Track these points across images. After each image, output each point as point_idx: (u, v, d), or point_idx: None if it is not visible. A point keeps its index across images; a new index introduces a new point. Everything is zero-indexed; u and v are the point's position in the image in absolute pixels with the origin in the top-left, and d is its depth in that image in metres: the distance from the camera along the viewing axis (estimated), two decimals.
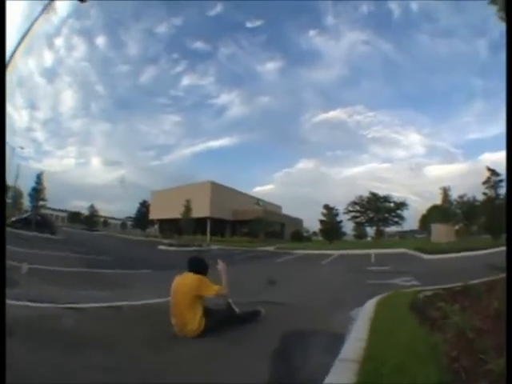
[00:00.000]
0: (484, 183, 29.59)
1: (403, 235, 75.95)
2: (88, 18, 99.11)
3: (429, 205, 64.83)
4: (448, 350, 3.22)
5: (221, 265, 4.91)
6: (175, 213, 40.34)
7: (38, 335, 3.88)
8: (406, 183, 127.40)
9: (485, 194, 29.78)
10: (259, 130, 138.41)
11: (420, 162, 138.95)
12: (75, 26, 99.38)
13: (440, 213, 61.47)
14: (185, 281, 4.46)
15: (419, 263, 16.91)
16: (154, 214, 61.50)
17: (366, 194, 50.16)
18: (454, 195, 40.71)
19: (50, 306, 5.22)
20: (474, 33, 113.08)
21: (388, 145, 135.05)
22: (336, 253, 26.40)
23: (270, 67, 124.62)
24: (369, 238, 63.45)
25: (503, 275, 6.87)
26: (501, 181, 28.58)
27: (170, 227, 50.07)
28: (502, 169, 28.14)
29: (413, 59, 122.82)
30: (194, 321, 4.23)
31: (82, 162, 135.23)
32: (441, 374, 2.74)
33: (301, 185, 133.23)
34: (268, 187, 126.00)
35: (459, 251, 20.11)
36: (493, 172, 28.83)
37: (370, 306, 5.74)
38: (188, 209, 36.77)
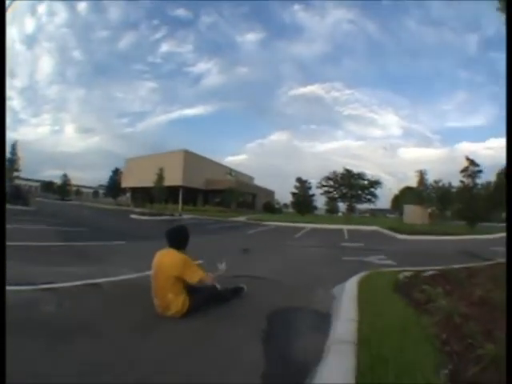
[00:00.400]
0: (462, 171, 30.72)
1: (374, 213, 77.76)
2: None
3: (401, 186, 66.56)
4: (438, 333, 3.28)
5: (222, 266, 4.65)
6: (148, 181, 39.84)
7: (16, 323, 3.37)
8: (379, 162, 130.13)
9: (462, 181, 30.86)
10: (235, 100, 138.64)
11: (395, 143, 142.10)
12: None
13: (413, 195, 63.01)
14: (167, 260, 4.15)
15: (393, 242, 17.27)
16: (126, 182, 60.61)
17: (339, 170, 50.43)
18: (429, 179, 41.56)
19: (27, 289, 4.89)
20: (465, 26, 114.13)
21: (364, 123, 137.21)
22: (308, 226, 26.91)
23: (251, 38, 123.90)
24: (340, 214, 64.33)
25: (482, 263, 7.10)
26: (479, 171, 30.26)
27: (142, 196, 49.68)
28: (479, 159, 29.27)
29: (398, 42, 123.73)
30: (178, 302, 4.05)
31: (56, 130, 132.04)
32: (438, 356, 2.81)
33: (273, 156, 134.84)
34: (241, 157, 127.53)
35: (433, 234, 20.80)
36: (471, 162, 30.08)
37: (351, 284, 5.74)
38: (160, 177, 36.36)
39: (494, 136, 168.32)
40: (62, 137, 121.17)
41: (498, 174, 36.51)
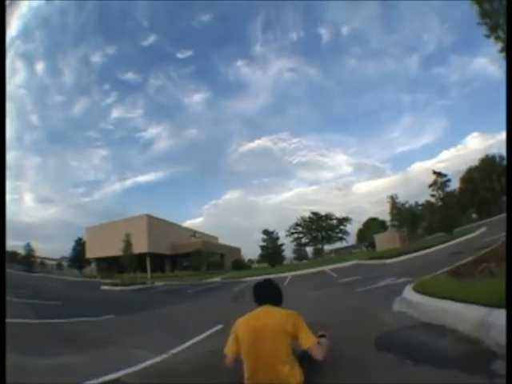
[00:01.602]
0: (430, 186, 32.02)
1: (338, 252, 77.97)
2: (32, 41, 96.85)
3: (362, 220, 67.75)
4: None
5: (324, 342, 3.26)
6: (113, 250, 38.24)
7: None
8: (335, 202, 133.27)
9: (433, 195, 32.10)
10: (185, 163, 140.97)
11: (348, 180, 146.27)
12: (20, 49, 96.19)
13: (378, 224, 64.33)
14: (276, 320, 3.06)
15: (386, 267, 17.26)
16: (90, 253, 57.81)
17: (307, 215, 51.11)
18: (387, 206, 42.54)
19: None
20: (404, 50, 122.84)
21: (314, 168, 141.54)
22: (287, 275, 26.10)
23: (197, 99, 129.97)
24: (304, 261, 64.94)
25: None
26: (448, 180, 31.93)
27: (109, 265, 47.57)
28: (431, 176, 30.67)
29: (339, 83, 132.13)
30: (295, 376, 2.88)
31: (15, 199, 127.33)
32: None
33: (230, 215, 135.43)
34: (198, 220, 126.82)
35: (418, 250, 21.27)
36: (438, 174, 31.51)
37: (410, 293, 5.89)
38: (128, 244, 34.64)
39: (445, 148, 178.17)
40: (21, 206, 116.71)
41: (461, 179, 37.79)
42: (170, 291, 21.23)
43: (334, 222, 50.92)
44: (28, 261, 66.98)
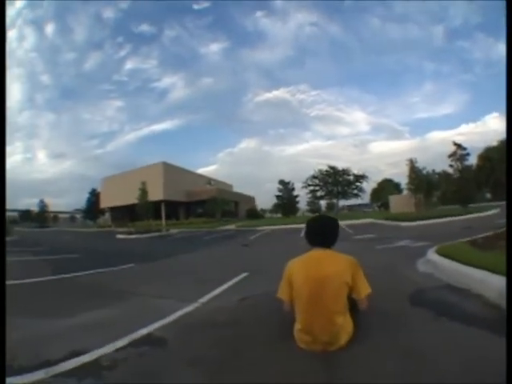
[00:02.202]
0: (450, 156, 32.03)
1: (351, 208, 78.42)
2: (40, 6, 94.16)
3: (376, 180, 67.53)
4: None
5: None
6: (128, 199, 38.76)
7: None
8: (350, 159, 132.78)
9: (451, 165, 32.22)
10: (201, 111, 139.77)
11: (364, 138, 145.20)
12: (28, 16, 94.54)
13: (393, 186, 63.98)
14: (335, 267, 2.84)
15: (401, 229, 17.63)
16: (104, 203, 58.82)
17: (324, 168, 50.91)
18: (402, 170, 42.24)
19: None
20: (429, 19, 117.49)
21: (331, 122, 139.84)
22: (302, 226, 26.09)
23: (214, 48, 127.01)
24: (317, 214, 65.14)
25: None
26: (467, 154, 31.82)
27: (123, 214, 48.29)
28: (449, 145, 30.24)
29: (361, 40, 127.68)
30: (348, 328, 2.87)
31: (28, 157, 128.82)
32: None
33: (244, 164, 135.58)
34: (212, 168, 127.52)
35: (432, 218, 21.52)
36: (459, 146, 31.40)
37: (434, 255, 6.24)
38: (144, 192, 34.76)
39: (464, 122, 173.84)
40: (34, 164, 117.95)
41: (479, 156, 37.11)
42: (186, 238, 21.66)
43: (351, 177, 50.64)
44: (41, 217, 68.02)
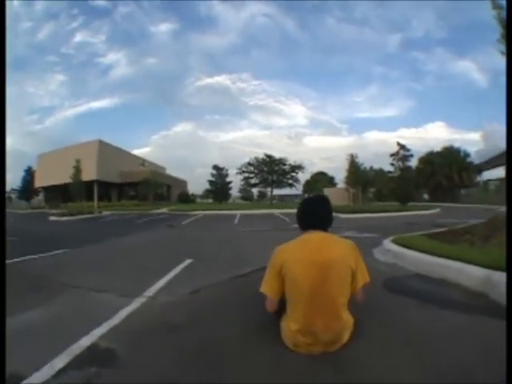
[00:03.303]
0: (392, 155, 32.46)
1: (282, 198, 79.33)
2: None
3: (309, 172, 68.92)
4: None
5: None
6: (62, 177, 36.06)
7: None
8: (284, 150, 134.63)
9: (392, 164, 32.51)
10: (141, 91, 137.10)
11: (301, 132, 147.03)
12: None
13: (327, 179, 65.59)
14: (340, 252, 2.42)
15: (341, 221, 17.51)
16: (39, 182, 54.23)
17: (260, 156, 51.02)
18: (337, 165, 43.65)
19: None
20: (389, 27, 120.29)
21: (269, 113, 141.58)
22: (237, 212, 26.82)
23: (164, 28, 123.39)
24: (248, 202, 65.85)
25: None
26: (411, 155, 32.54)
27: (56, 195, 45.22)
28: (390, 147, 31.46)
29: (313, 38, 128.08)
30: (350, 324, 2.48)
31: None
32: None
33: (178, 147, 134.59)
34: (146, 149, 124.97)
35: (371, 212, 22.35)
36: (402, 146, 31.94)
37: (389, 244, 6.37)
38: (78, 170, 31.82)
39: (405, 127, 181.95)
40: None
41: (421, 159, 38.94)
42: (119, 221, 20.56)
43: (287, 167, 51.10)
44: None
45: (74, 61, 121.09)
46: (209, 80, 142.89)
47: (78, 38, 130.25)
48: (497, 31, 7.58)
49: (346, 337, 2.42)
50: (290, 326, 2.39)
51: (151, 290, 4.15)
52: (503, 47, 7.61)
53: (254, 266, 5.43)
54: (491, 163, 60.11)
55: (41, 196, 57.64)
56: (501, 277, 3.37)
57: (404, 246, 5.64)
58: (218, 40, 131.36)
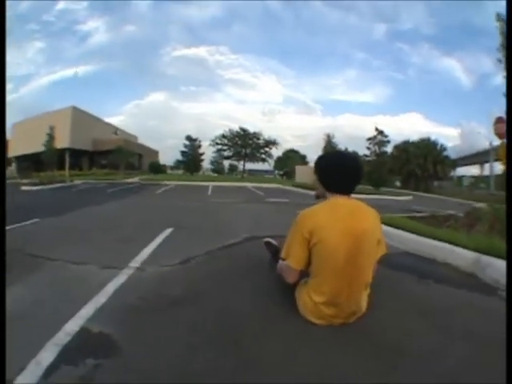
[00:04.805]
0: (369, 139, 33.43)
1: (252, 173, 79.13)
2: None
3: (281, 148, 68.86)
4: None
5: None
6: (35, 146, 34.50)
7: None
8: (257, 126, 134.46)
9: (368, 148, 33.57)
10: (117, 59, 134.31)
11: (275, 108, 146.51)
12: None
13: (299, 157, 65.73)
14: (370, 222, 2.27)
15: (311, 198, 17.05)
16: (12, 151, 52.01)
17: (235, 129, 50.47)
18: (309, 143, 43.64)
19: None
20: (377, 16, 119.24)
21: (244, 87, 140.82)
22: (209, 184, 26.58)
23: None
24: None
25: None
26: (388, 141, 33.72)
27: (28, 164, 43.50)
28: (365, 131, 32.03)
29: (297, 17, 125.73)
30: (366, 295, 2.42)
31: None
32: None
33: (150, 117, 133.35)
34: (119, 118, 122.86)
35: None
36: (380, 132, 32.96)
37: None
38: (51, 137, 30.63)
39: (382, 113, 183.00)
40: None
41: (396, 147, 39.55)
42: (91, 190, 19.82)
43: (261, 142, 50.79)
44: None
45: (54, 28, 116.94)
46: (186, 51, 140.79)
47: (61, 5, 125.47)
48: (494, 39, 7.85)
49: (364, 308, 2.36)
50: (312, 298, 2.25)
51: (137, 260, 3.86)
52: (500, 55, 8.14)
53: (237, 237, 5.44)
54: (467, 160, 62.01)
55: (13, 166, 55.43)
56: (489, 260, 3.56)
57: (389, 224, 5.67)
58: (199, 11, 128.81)
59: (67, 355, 1.86)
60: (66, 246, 4.65)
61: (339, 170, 2.33)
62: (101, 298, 2.69)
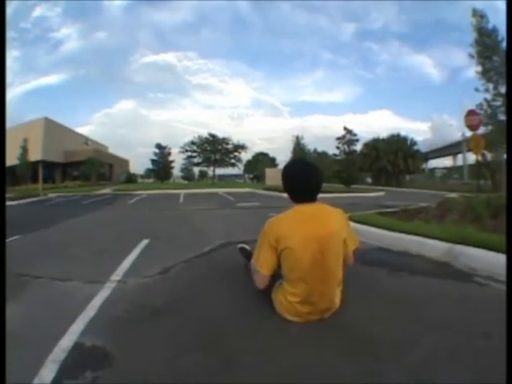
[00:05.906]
0: (338, 139, 34.14)
1: (222, 178, 78.97)
2: None
3: (250, 152, 69.02)
4: None
5: None
6: (8, 159, 33.47)
7: None
8: (226, 130, 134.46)
9: (338, 147, 34.35)
10: (88, 67, 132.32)
11: (243, 112, 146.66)
12: None
13: (268, 159, 66.05)
14: (336, 223, 2.38)
15: (286, 200, 17.01)
16: None
17: (204, 135, 50.39)
18: (277, 146, 44.19)
19: None
20: (345, 16, 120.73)
21: (212, 92, 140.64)
22: (180, 192, 26.54)
23: (117, 2, 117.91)
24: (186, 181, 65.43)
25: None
26: (357, 140, 34.69)
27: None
28: (330, 130, 32.40)
29: (265, 20, 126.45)
30: (339, 290, 2.50)
31: None
32: None
33: (119, 125, 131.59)
34: (89, 127, 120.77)
35: None
36: (349, 131, 33.76)
37: None
38: (25, 150, 30.21)
39: (351, 112, 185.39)
40: None
41: (366, 144, 40.27)
42: (66, 203, 19.21)
43: (230, 147, 50.94)
44: None
45: (30, 35, 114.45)
46: (154, 57, 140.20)
47: (38, 12, 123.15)
48: (465, 34, 8.16)
49: (338, 303, 2.45)
50: (287, 298, 2.35)
51: (118, 274, 3.81)
52: (473, 51, 9.65)
53: (212, 244, 5.42)
54: (439, 152, 63.51)
55: None
56: (461, 249, 3.68)
57: (360, 222, 5.77)
58: (169, 16, 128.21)
59: (67, 370, 1.88)
60: (49, 262, 4.56)
61: (297, 182, 2.44)
62: (89, 313, 2.69)
